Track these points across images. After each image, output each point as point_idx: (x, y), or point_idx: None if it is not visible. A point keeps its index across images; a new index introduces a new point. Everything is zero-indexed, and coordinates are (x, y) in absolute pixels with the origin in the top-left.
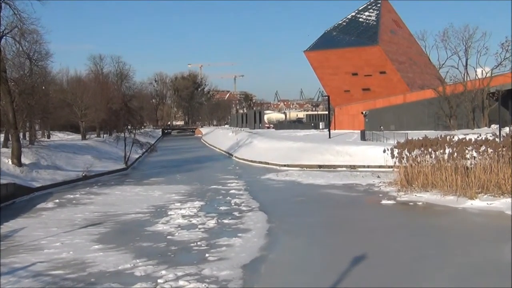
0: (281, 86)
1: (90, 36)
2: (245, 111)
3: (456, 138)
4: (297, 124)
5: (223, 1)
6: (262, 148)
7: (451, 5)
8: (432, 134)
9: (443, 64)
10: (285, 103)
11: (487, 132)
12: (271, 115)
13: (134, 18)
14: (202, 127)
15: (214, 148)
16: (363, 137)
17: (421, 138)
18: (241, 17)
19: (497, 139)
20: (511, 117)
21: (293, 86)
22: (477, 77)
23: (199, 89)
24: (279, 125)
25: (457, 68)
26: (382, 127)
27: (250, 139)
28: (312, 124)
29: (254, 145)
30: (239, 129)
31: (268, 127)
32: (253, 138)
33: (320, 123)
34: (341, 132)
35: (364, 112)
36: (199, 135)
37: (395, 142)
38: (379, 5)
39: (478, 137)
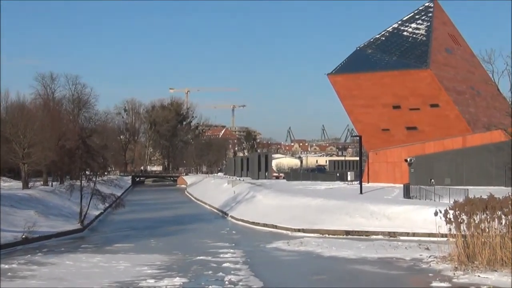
0: (296, 122)
1: (38, 48)
2: (246, 154)
3: None
4: (316, 173)
5: (217, 4)
6: (268, 205)
7: None
8: (501, 191)
9: None
10: (301, 144)
11: None
12: (281, 161)
13: (97, 25)
14: (187, 174)
15: (203, 204)
16: (407, 193)
17: (486, 197)
18: (243, 26)
19: None
20: None
21: (311, 121)
22: None
23: (184, 123)
24: (292, 174)
25: None
26: (433, 180)
27: (252, 193)
28: (338, 174)
29: (257, 202)
30: (238, 178)
31: (277, 177)
32: (257, 192)
33: (349, 173)
34: (377, 186)
35: (408, 160)
36: (183, 185)
37: (451, 202)
38: (430, 14)
39: None
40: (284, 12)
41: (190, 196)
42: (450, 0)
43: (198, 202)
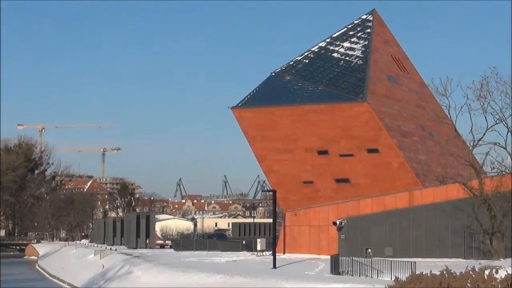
0: (189, 171)
1: None
2: (120, 214)
3: (502, 274)
4: (216, 241)
5: (88, 11)
6: (149, 284)
7: (493, 34)
8: (459, 265)
9: (480, 139)
10: (195, 201)
11: None
12: (168, 223)
13: None
14: (39, 242)
15: (60, 283)
16: (335, 268)
17: (439, 273)
18: (118, 41)
19: None
20: None
21: (209, 171)
22: None
23: (37, 172)
24: (182, 242)
25: (505, 148)
26: (370, 250)
27: (127, 268)
28: (244, 242)
29: (134, 279)
30: (109, 247)
31: (163, 246)
32: (134, 266)
33: (258, 241)
34: (296, 257)
35: (338, 223)
36: (33, 256)
37: (392, 279)
38: (368, 30)
39: None
40: (177, 28)
41: (42, 271)
42: (395, 13)
43: (54, 280)
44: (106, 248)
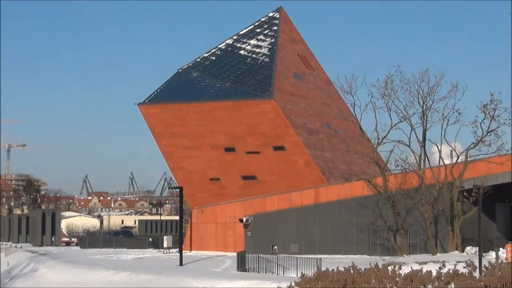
0: (95, 168)
1: None
2: (26, 211)
3: (405, 270)
4: (122, 238)
5: None
6: (55, 282)
7: (399, 31)
8: (364, 261)
9: (384, 137)
10: (102, 198)
11: (458, 259)
12: (74, 221)
13: None
14: None
15: None
16: (241, 264)
17: (344, 269)
18: (22, 36)
19: (475, 273)
20: (500, 233)
21: (116, 168)
22: (442, 163)
23: None
24: (89, 239)
25: (409, 146)
26: (276, 247)
27: (33, 265)
28: (150, 240)
29: (40, 277)
30: (14, 245)
31: (69, 243)
32: (39, 264)
33: (165, 238)
34: (202, 254)
35: (244, 220)
36: None
37: (298, 275)
38: (275, 28)
39: (441, 268)
40: (83, 24)
41: None
42: (302, 11)
43: None
44: (11, 245)
